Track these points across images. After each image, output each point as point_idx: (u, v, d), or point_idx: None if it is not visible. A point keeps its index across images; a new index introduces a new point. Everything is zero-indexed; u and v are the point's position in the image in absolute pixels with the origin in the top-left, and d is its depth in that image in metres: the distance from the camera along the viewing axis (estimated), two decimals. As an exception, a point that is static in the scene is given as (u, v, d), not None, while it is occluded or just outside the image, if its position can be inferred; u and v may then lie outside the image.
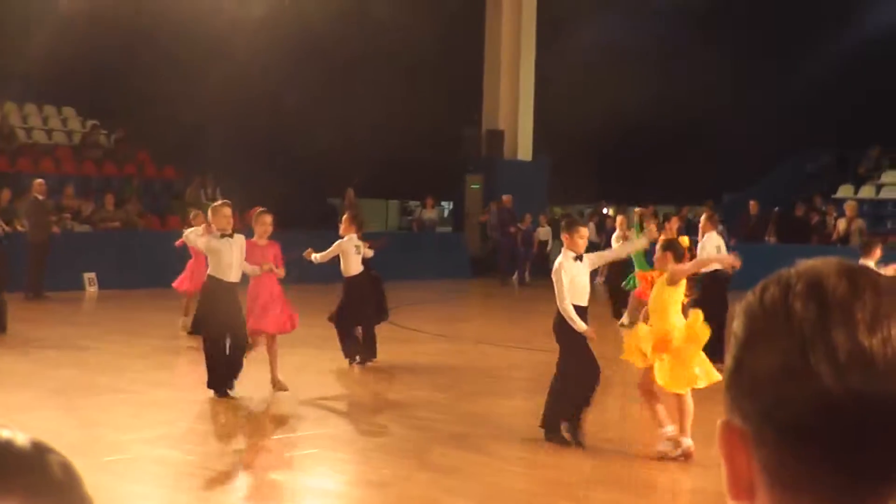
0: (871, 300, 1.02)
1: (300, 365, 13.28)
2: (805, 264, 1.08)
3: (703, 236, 14.42)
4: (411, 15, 37.56)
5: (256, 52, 32.22)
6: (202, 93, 29.72)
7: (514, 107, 30.87)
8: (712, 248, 14.05)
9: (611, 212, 32.67)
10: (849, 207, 25.59)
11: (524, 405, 11.94)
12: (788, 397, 1.00)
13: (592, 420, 9.77)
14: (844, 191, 29.23)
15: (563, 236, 9.81)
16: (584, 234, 9.76)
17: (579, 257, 9.65)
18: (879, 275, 1.06)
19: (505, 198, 28.00)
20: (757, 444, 1.03)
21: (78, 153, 27.67)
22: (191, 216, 17.04)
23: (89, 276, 22.11)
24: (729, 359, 1.08)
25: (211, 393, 11.31)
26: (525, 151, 31.19)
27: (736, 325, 1.08)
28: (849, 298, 1.02)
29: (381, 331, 17.52)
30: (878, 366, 0.99)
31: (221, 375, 11.32)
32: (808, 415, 0.99)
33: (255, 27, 32.73)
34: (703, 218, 14.99)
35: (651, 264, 14.52)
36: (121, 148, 28.36)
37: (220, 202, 12.40)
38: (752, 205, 26.50)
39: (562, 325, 9.47)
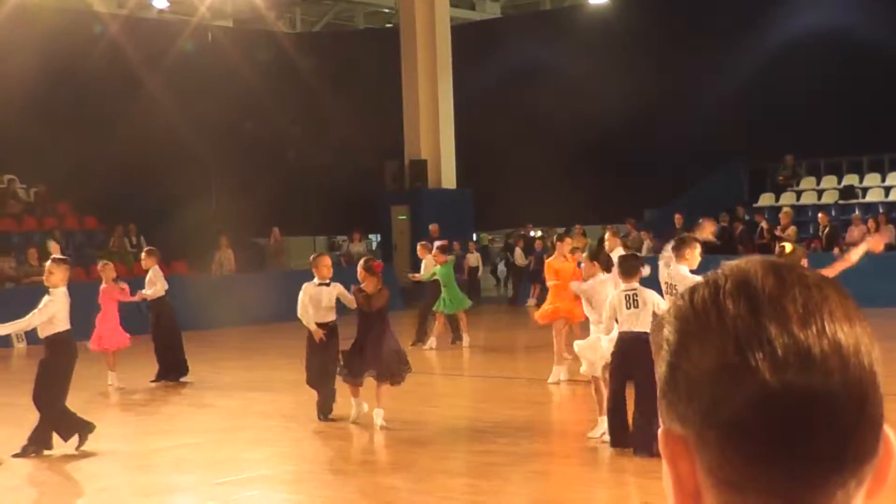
0: (801, 293, 1.03)
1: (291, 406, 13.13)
2: (730, 265, 1.08)
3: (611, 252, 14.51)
4: (330, 52, 37.70)
5: (171, 96, 32.08)
6: (118, 142, 29.51)
7: (436, 136, 31.01)
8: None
9: (538, 234, 32.87)
10: (783, 215, 26.11)
11: (464, 431, 11.96)
12: (727, 395, 1.00)
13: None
14: (765, 199, 29.71)
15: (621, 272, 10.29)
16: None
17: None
18: (805, 269, 1.07)
19: (432, 227, 28.08)
20: (699, 448, 1.03)
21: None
22: (98, 267, 16.68)
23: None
24: (662, 365, 1.07)
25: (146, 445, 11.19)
26: (449, 180, 31.32)
27: (666, 330, 1.08)
28: (778, 293, 1.03)
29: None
30: (815, 358, 0.99)
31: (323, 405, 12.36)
32: (749, 411, 0.99)
33: (168, 73, 32.61)
34: (607, 235, 15.46)
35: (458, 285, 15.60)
36: (40, 201, 28.01)
37: (318, 253, 13.30)
38: (678, 218, 26.81)
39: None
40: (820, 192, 29.45)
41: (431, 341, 19.45)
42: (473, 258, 29.70)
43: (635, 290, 10.14)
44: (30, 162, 28.23)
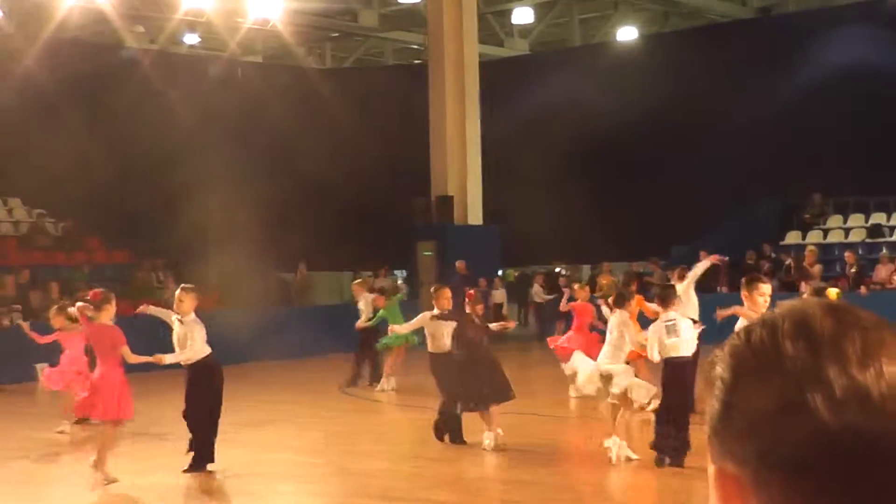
0: (860, 336, 1.03)
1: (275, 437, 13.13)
2: (787, 305, 1.09)
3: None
4: (359, 88, 37.91)
5: (201, 132, 32.32)
6: (148, 177, 29.73)
7: (463, 172, 31.05)
8: None
9: (563, 271, 32.82)
10: (809, 253, 26.00)
11: (492, 471, 11.90)
12: (786, 435, 1.00)
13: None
14: (792, 237, 29.59)
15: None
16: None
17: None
18: (861, 310, 1.07)
19: (459, 264, 28.06)
20: (754, 487, 1.03)
21: (25, 243, 27.41)
22: (50, 313, 15.77)
23: (41, 366, 21.81)
24: (715, 403, 1.07)
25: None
26: (475, 216, 31.33)
27: (720, 368, 1.08)
28: (837, 335, 1.03)
29: (343, 402, 17.46)
30: (874, 399, 1.00)
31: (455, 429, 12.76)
32: (807, 451, 0.99)
33: (199, 107, 32.86)
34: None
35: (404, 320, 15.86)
36: (69, 236, 28.17)
37: (439, 286, 13.64)
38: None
39: None
40: (847, 231, 29.32)
41: (385, 381, 18.98)
42: (499, 294, 29.63)
43: (673, 320, 10.87)
44: (59, 197, 28.43)
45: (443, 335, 12.90)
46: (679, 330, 10.78)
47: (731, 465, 1.05)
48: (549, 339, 17.70)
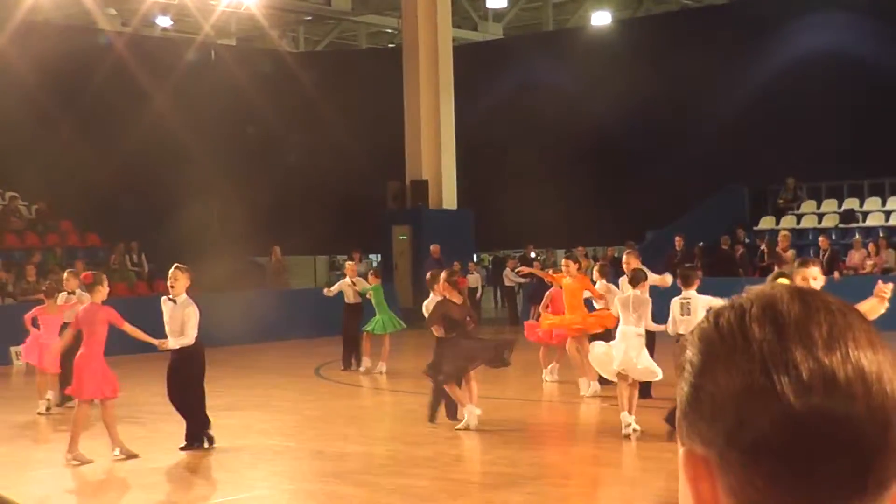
0: (826, 319, 1.05)
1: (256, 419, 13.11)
2: (755, 289, 1.11)
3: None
4: (333, 71, 37.82)
5: (174, 114, 32.16)
6: (120, 159, 29.58)
7: (437, 156, 31.05)
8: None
9: (537, 254, 32.90)
10: (782, 238, 26.11)
11: (469, 454, 11.95)
12: (752, 417, 1.02)
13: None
14: (766, 222, 29.74)
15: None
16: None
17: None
18: (829, 295, 1.10)
19: (433, 247, 28.08)
20: (721, 468, 1.05)
21: (-2, 226, 27.28)
22: (64, 276, 15.71)
23: (16, 349, 21.73)
24: (684, 386, 1.09)
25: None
26: (450, 200, 31.36)
27: (690, 352, 1.10)
28: (804, 319, 1.05)
29: (319, 385, 17.49)
30: (840, 383, 1.02)
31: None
32: (773, 433, 1.01)
33: (171, 90, 32.71)
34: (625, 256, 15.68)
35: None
36: (42, 218, 28.03)
37: (435, 272, 13.93)
38: (678, 240, 26.89)
39: None
40: (821, 216, 29.47)
41: (365, 361, 19.23)
42: (473, 279, 29.66)
43: (689, 298, 11.59)
44: (32, 179, 28.27)
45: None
46: (693, 309, 11.41)
47: (698, 447, 1.07)
48: (525, 323, 17.82)
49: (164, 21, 37.24)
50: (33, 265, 24.32)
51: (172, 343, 11.69)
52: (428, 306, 13.60)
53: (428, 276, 14.40)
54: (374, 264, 33.39)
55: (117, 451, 11.36)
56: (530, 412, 14.68)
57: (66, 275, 15.74)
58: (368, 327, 19.05)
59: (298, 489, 10.34)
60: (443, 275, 13.36)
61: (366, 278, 19.93)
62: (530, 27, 42.05)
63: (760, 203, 30.76)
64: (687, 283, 11.80)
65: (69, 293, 15.29)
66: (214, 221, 33.13)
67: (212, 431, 12.03)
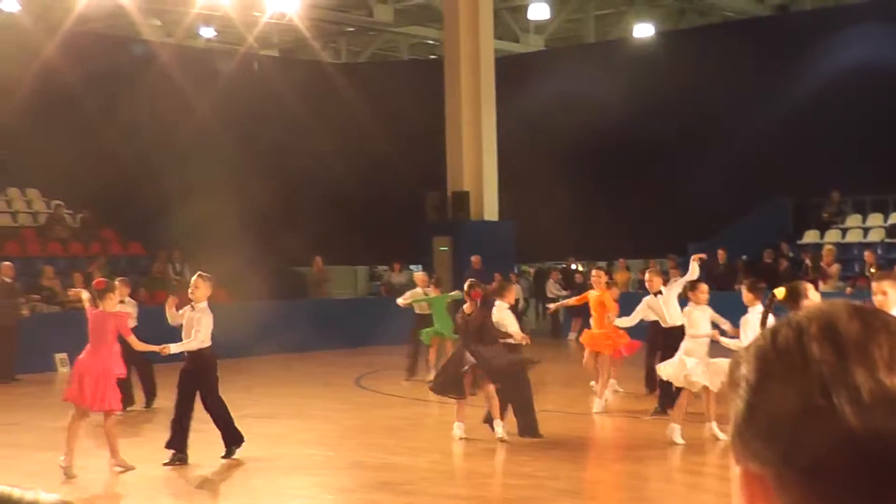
0: (887, 340, 1.03)
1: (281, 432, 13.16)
2: (813, 307, 1.09)
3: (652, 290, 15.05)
4: (375, 82, 37.95)
5: (218, 124, 32.38)
6: (165, 169, 29.81)
7: (478, 168, 31.04)
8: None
9: (579, 267, 32.83)
10: (826, 253, 25.89)
11: (509, 466, 11.92)
12: (811, 438, 1.00)
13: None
14: (810, 236, 29.49)
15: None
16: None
17: None
18: (889, 314, 1.07)
19: (474, 258, 28.07)
20: (778, 488, 1.03)
21: (43, 234, 27.54)
22: (116, 283, 16.16)
23: (61, 356, 21.94)
24: (739, 403, 1.07)
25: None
26: (491, 211, 31.32)
27: (745, 369, 1.08)
28: (864, 339, 1.03)
29: (358, 395, 17.50)
30: None
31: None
32: (832, 455, 0.99)
33: (215, 100, 32.94)
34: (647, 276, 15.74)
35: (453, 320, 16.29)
36: (86, 227, 28.28)
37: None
38: (720, 254, 26.72)
39: None
40: (866, 230, 29.20)
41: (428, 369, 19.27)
42: (515, 290, 29.56)
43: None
44: (77, 187, 28.56)
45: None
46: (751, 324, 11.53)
47: (755, 466, 1.05)
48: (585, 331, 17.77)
49: (207, 32, 37.50)
50: (80, 273, 24.54)
51: (174, 347, 11.72)
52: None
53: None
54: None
55: (65, 465, 11.10)
56: (572, 425, 14.62)
57: (116, 282, 15.88)
58: (425, 336, 19.13)
59: (337, 499, 10.34)
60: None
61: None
62: (572, 39, 41.98)
63: (804, 216, 30.51)
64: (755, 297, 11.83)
65: (120, 301, 15.46)
66: (255, 231, 33.30)
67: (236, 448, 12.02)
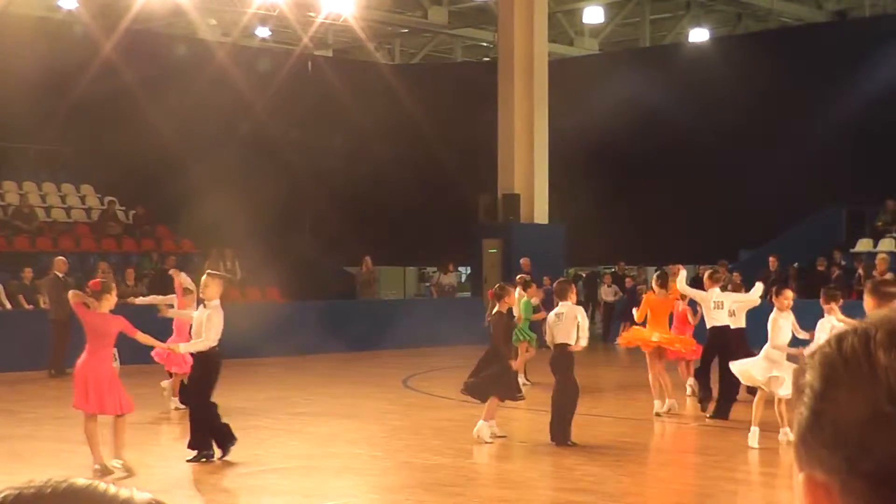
0: None
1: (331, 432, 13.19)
2: (879, 315, 1.07)
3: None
4: (428, 84, 38.00)
5: (272, 124, 32.59)
6: (218, 168, 30.03)
7: (530, 170, 30.99)
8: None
9: (631, 272, 32.65)
10: (880, 261, 25.56)
11: (554, 470, 11.89)
12: (878, 445, 0.99)
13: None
14: (863, 245, 29.15)
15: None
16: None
17: None
18: None
19: (523, 261, 28.04)
20: (843, 496, 1.02)
21: (97, 230, 27.82)
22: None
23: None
24: (804, 410, 1.06)
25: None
26: (541, 214, 31.26)
27: (810, 376, 1.07)
28: None
29: (406, 396, 17.50)
30: None
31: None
32: None
33: (270, 100, 33.13)
34: (705, 276, 15.98)
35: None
36: (139, 223, 28.55)
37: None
38: (772, 261, 26.50)
39: None
40: (921, 240, 28.81)
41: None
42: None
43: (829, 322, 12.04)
44: (130, 184, 28.85)
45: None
46: (825, 329, 11.64)
47: (819, 473, 1.04)
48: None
49: (263, 32, 37.75)
50: (132, 269, 24.77)
51: (183, 347, 11.71)
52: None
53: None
54: (464, 278, 33.40)
55: (98, 466, 10.95)
56: (621, 430, 14.55)
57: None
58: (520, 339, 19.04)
59: (384, 499, 10.36)
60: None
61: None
62: (627, 43, 41.81)
63: (858, 225, 30.17)
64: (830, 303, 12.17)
65: (186, 290, 15.78)
66: (307, 231, 33.47)
67: (232, 446, 11.78)
